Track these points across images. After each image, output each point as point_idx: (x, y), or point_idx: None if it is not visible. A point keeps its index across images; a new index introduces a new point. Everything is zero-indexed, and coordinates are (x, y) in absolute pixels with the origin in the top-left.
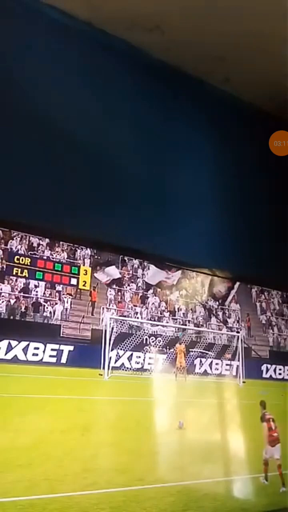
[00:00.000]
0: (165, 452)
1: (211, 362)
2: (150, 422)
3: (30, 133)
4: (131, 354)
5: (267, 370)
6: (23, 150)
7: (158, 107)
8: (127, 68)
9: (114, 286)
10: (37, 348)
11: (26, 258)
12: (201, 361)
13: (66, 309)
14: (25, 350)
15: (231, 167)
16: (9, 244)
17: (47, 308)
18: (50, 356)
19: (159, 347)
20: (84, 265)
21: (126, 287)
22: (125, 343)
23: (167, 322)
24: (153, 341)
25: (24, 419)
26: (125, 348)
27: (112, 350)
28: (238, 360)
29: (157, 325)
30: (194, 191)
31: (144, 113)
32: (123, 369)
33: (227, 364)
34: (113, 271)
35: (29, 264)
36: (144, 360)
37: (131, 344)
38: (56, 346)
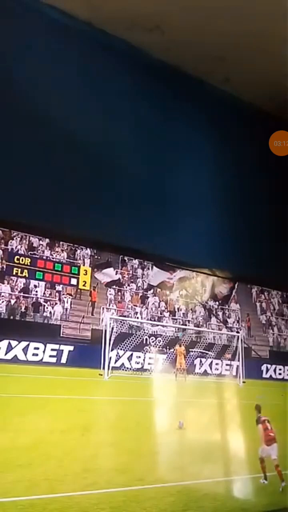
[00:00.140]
0: (165, 452)
1: (211, 362)
2: (150, 422)
3: (30, 133)
4: (131, 354)
5: (267, 370)
6: (23, 150)
7: (158, 107)
8: (127, 68)
9: (114, 286)
10: (37, 348)
11: (26, 258)
12: (201, 361)
13: (66, 309)
14: (25, 350)
15: (231, 167)
16: (9, 244)
17: (47, 308)
18: (50, 356)
19: (159, 347)
20: (84, 265)
21: (126, 287)
22: (125, 343)
23: (167, 322)
24: (153, 341)
25: (24, 419)
26: (125, 348)
27: (112, 350)
28: (238, 360)
29: (157, 325)
30: (194, 191)
31: (144, 113)
32: (123, 369)
33: (227, 364)
34: (111, 273)
35: (29, 264)
36: (144, 360)
37: (131, 344)
38: (56, 346)
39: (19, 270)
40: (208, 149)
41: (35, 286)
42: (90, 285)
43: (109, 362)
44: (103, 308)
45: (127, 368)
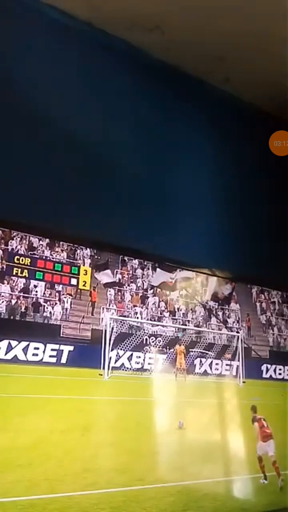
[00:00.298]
0: (165, 452)
1: (211, 362)
2: (150, 422)
3: (30, 133)
4: (131, 354)
5: (267, 370)
6: (23, 150)
7: (158, 107)
8: (127, 68)
9: (114, 287)
10: (37, 348)
11: (26, 258)
12: (201, 361)
13: (66, 309)
14: (25, 350)
15: (231, 167)
16: (9, 244)
17: (47, 308)
18: (50, 356)
19: (159, 347)
20: (84, 265)
21: (126, 287)
22: (125, 343)
23: (167, 322)
24: (153, 341)
25: (24, 419)
26: (125, 348)
27: (112, 350)
28: (238, 360)
29: (157, 325)
30: (194, 191)
31: (144, 113)
32: (123, 369)
33: (227, 364)
34: (108, 275)
35: (29, 264)
36: (144, 360)
37: (131, 344)
38: (56, 346)
39: (19, 270)
40: (208, 149)
41: (35, 286)
42: (90, 285)
43: (109, 362)
44: (103, 308)
45: (127, 368)
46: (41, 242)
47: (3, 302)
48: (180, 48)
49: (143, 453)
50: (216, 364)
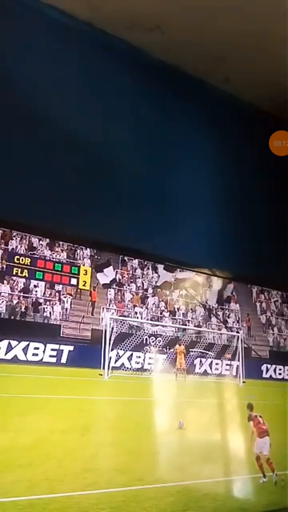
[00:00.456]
0: (165, 452)
1: (211, 362)
2: (150, 422)
3: (30, 133)
4: (131, 354)
5: (267, 370)
6: (23, 150)
7: (158, 107)
8: (127, 68)
9: (114, 286)
10: (37, 348)
11: (26, 258)
12: (201, 361)
13: (66, 309)
14: (25, 350)
15: (231, 167)
16: (9, 244)
17: (47, 308)
18: (50, 356)
19: (159, 347)
20: (84, 265)
21: (126, 287)
22: (125, 343)
23: (167, 322)
24: (153, 341)
25: (24, 419)
26: (125, 348)
27: (112, 350)
28: (238, 360)
29: (157, 325)
30: (194, 191)
31: (144, 113)
32: (123, 369)
33: (227, 364)
34: (110, 272)
35: (29, 264)
36: (144, 360)
37: (131, 344)
38: (56, 346)
39: (19, 270)
40: (208, 149)
41: (35, 286)
42: (90, 285)
43: (109, 362)
44: (103, 308)
45: (127, 368)
46: (41, 242)
47: (3, 302)
48: (180, 48)
49: (143, 453)
50: (216, 364)
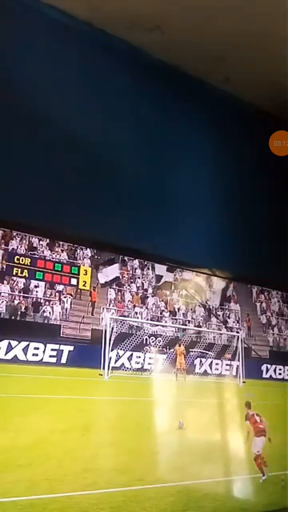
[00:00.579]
0: (165, 452)
1: (211, 362)
2: (150, 422)
3: (30, 133)
4: (131, 354)
5: (267, 370)
6: (23, 150)
7: (158, 107)
8: (127, 68)
9: (114, 286)
10: (37, 348)
11: (26, 258)
12: (201, 361)
13: (66, 309)
14: (25, 350)
15: (231, 167)
16: (9, 244)
17: (47, 308)
18: (50, 356)
19: (159, 347)
20: (84, 265)
21: (126, 287)
22: (125, 343)
23: (166, 322)
24: (153, 341)
25: (24, 419)
26: (125, 348)
27: (112, 350)
28: (238, 360)
29: (157, 325)
30: (194, 191)
31: (144, 113)
32: (123, 369)
33: (227, 364)
34: (115, 270)
35: (29, 264)
36: (144, 360)
37: (131, 344)
38: (56, 346)
39: (19, 270)
40: (208, 149)
41: (36, 286)
42: (90, 285)
43: (109, 362)
44: (103, 308)
45: (127, 368)
46: (41, 242)
47: (3, 302)
48: (180, 48)
49: (143, 453)
50: (216, 364)
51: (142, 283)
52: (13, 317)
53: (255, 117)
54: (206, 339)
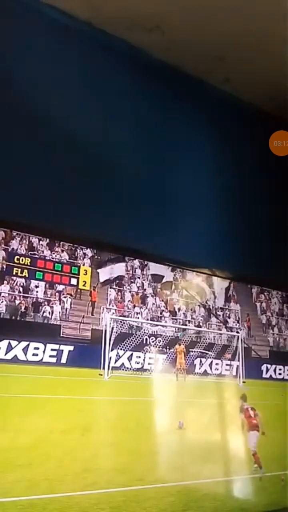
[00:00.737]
0: (165, 452)
1: (211, 362)
2: (150, 422)
3: (30, 133)
4: (131, 354)
5: (267, 370)
6: (23, 150)
7: (158, 107)
8: (127, 68)
9: (114, 286)
10: (37, 348)
11: (26, 258)
12: (201, 361)
13: (66, 309)
14: (25, 350)
15: (231, 167)
16: (9, 244)
17: (47, 308)
18: (50, 356)
19: (159, 347)
20: (84, 265)
21: (126, 287)
22: (125, 343)
23: (166, 322)
24: (153, 341)
25: (24, 419)
26: (125, 348)
27: (112, 350)
28: (238, 360)
29: (157, 325)
30: (194, 191)
31: (144, 113)
32: (123, 369)
33: (227, 364)
34: (121, 268)
35: (29, 264)
36: (144, 360)
37: (131, 344)
38: (56, 346)
39: (19, 270)
40: (208, 149)
41: (36, 287)
42: (90, 285)
43: (109, 362)
44: (103, 308)
45: (127, 368)
46: (41, 242)
47: (3, 302)
48: (180, 48)
49: (143, 453)
50: (216, 364)
51: (142, 283)
52: (13, 317)
53: (255, 117)
54: (206, 339)
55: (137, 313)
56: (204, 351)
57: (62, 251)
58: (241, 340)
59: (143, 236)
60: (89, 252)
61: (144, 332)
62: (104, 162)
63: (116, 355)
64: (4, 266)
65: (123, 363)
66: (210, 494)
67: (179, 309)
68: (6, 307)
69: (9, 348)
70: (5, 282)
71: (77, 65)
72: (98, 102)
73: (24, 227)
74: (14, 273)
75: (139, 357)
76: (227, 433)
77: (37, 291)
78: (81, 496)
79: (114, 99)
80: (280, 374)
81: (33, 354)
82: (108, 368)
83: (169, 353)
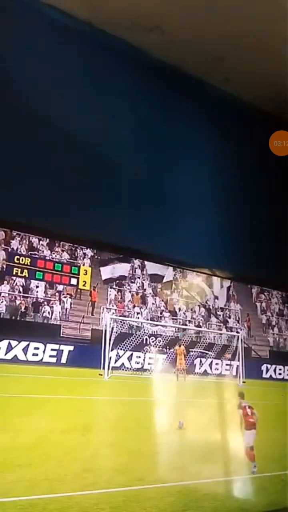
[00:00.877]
0: (165, 452)
1: (211, 362)
2: (150, 422)
3: (30, 133)
4: (131, 354)
5: (267, 370)
6: (23, 150)
7: (158, 107)
8: (127, 68)
9: (114, 286)
10: (37, 348)
11: (26, 258)
12: (201, 361)
13: (66, 309)
14: (25, 350)
15: (231, 167)
16: (9, 244)
17: (47, 308)
18: (50, 356)
19: (159, 347)
20: (84, 265)
21: (126, 287)
22: (125, 343)
23: (166, 322)
24: (153, 341)
25: (24, 419)
26: (125, 348)
27: (112, 350)
28: (238, 360)
29: (157, 325)
30: (194, 191)
31: (144, 113)
32: (123, 369)
33: (227, 364)
34: (126, 268)
35: (29, 264)
36: (144, 360)
37: (131, 344)
38: (56, 346)
39: (19, 270)
40: (208, 149)
41: (37, 287)
42: (90, 285)
43: (109, 362)
44: (103, 308)
45: (127, 368)
46: (41, 242)
47: (3, 302)
48: (180, 48)
49: (143, 453)
50: (216, 364)
51: (142, 283)
52: (13, 317)
53: (255, 117)
54: (206, 339)
55: (137, 313)
56: (204, 351)
57: (62, 251)
58: (241, 340)
59: (143, 236)
60: (89, 252)
61: (144, 332)
62: (104, 162)
63: (116, 355)
64: (4, 266)
65: (123, 363)
66: (210, 494)
67: (179, 309)
68: (6, 307)
69: (9, 348)
70: (5, 282)
71: (77, 65)
72: (98, 102)
73: (24, 227)
74: (14, 273)
75: (139, 357)
76: (227, 433)
77: (37, 291)
78: (81, 496)
79: (114, 99)
80: (280, 374)
81: (33, 354)
82: (108, 368)
83: (169, 353)
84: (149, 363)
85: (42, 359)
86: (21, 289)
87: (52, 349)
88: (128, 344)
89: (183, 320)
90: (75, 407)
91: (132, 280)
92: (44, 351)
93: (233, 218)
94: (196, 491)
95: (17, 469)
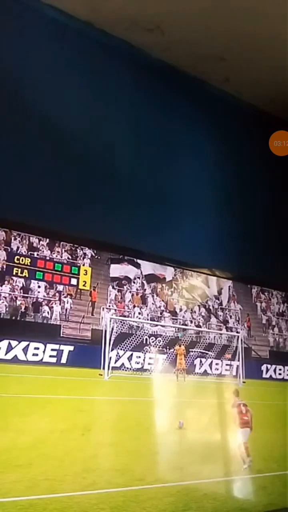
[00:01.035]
0: (165, 452)
1: (211, 362)
2: (150, 422)
3: (30, 133)
4: (131, 354)
5: (267, 370)
6: (23, 150)
7: (158, 107)
8: (127, 68)
9: (115, 286)
10: (37, 348)
11: (26, 258)
12: (201, 361)
13: (66, 309)
14: (25, 350)
15: (231, 167)
16: (9, 245)
17: (47, 308)
18: (50, 356)
19: (159, 347)
20: (84, 265)
21: (126, 287)
22: (125, 343)
23: (166, 322)
24: (153, 341)
25: (24, 419)
26: (125, 348)
27: (112, 350)
28: (238, 360)
29: (157, 325)
30: (194, 191)
31: (144, 113)
32: (123, 369)
33: (227, 364)
34: (132, 271)
35: (29, 264)
36: (144, 360)
37: (131, 344)
38: (56, 346)
39: (19, 270)
40: (208, 149)
41: (39, 287)
42: (90, 285)
43: (109, 362)
44: (103, 308)
45: (127, 368)
46: (41, 242)
47: (3, 302)
48: (180, 48)
49: (143, 453)
50: (216, 364)
51: (142, 283)
52: (13, 317)
53: (255, 117)
54: (206, 339)
55: (138, 313)
56: (204, 351)
57: (63, 251)
58: (241, 340)
59: (143, 236)
60: (89, 252)
61: (144, 332)
62: (104, 162)
63: (116, 355)
64: (4, 266)
65: (123, 363)
66: (210, 494)
67: (180, 309)
68: (6, 307)
69: (9, 348)
70: (6, 282)
71: (77, 65)
72: (98, 102)
73: (24, 227)
74: (14, 273)
75: (139, 357)
76: (227, 433)
77: (39, 292)
78: (81, 496)
79: (114, 99)
80: (280, 374)
81: (33, 354)
82: (108, 368)
83: (169, 353)
84: (149, 363)
85: (42, 359)
86: (21, 289)
87: (52, 349)
88: (128, 344)
89: (183, 320)
90: (75, 407)
91: (133, 280)
92: (44, 351)
93: (233, 218)
94: (196, 491)
95: (17, 469)
